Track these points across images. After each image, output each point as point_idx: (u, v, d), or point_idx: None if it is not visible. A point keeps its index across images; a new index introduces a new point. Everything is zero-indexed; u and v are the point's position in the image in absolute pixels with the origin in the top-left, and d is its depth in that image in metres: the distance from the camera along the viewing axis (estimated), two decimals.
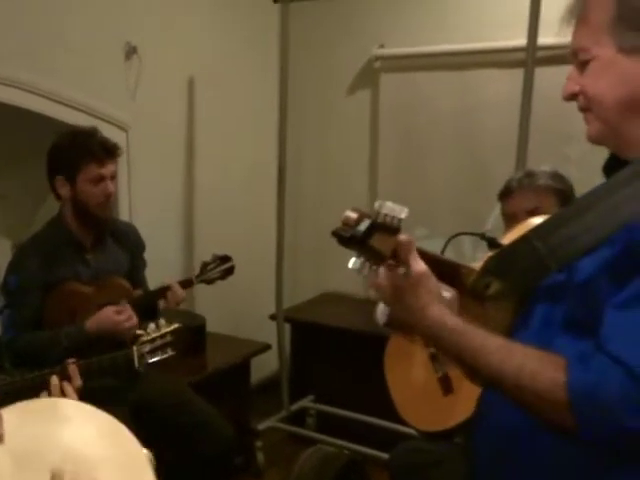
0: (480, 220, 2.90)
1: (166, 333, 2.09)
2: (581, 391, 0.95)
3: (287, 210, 3.55)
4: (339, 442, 3.36)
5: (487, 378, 1.08)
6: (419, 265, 1.15)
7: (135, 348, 2.06)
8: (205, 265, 2.71)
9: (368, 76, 3.87)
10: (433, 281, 1.15)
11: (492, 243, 1.44)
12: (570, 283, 1.06)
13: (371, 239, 1.16)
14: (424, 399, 2.06)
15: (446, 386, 2.00)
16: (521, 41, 2.78)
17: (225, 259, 2.73)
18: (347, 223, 1.17)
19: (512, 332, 1.12)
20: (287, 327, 3.77)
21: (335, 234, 1.18)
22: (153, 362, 2.08)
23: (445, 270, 1.22)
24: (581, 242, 1.06)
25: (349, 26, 3.86)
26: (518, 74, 2.84)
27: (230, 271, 2.74)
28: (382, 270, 1.18)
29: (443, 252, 1.72)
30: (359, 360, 3.42)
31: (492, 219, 2.64)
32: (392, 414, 2.20)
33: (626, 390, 0.91)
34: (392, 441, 2.29)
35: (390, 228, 1.16)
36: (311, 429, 3.71)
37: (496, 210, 2.34)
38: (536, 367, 1.00)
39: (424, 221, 3.72)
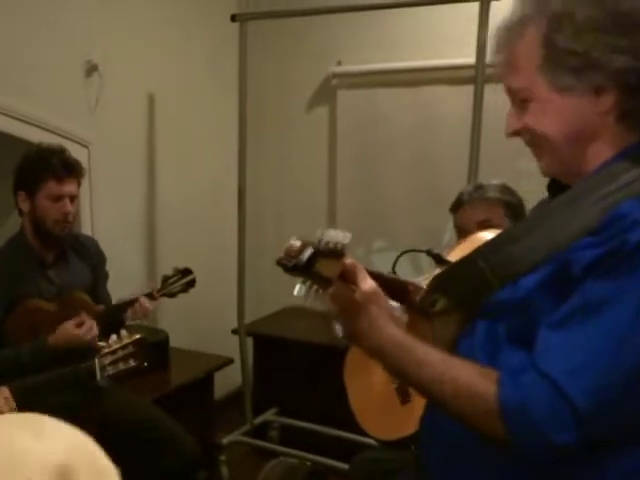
0: (437, 232, 2.97)
1: (128, 344, 2.11)
2: (511, 405, 0.99)
3: (248, 225, 3.59)
4: (302, 454, 3.38)
5: (427, 391, 1.11)
6: (367, 284, 1.19)
7: (97, 360, 2.07)
8: (166, 279, 2.71)
9: (326, 93, 3.94)
10: (382, 298, 1.19)
11: (438, 259, 1.48)
12: (512, 300, 1.09)
13: (315, 266, 1.20)
14: (382, 408, 2.09)
15: (403, 395, 2.03)
16: (471, 59, 2.87)
17: (186, 272, 2.73)
18: (290, 253, 1.22)
19: (458, 346, 1.15)
20: (249, 341, 3.79)
21: (279, 264, 1.22)
22: (116, 374, 2.09)
23: (393, 288, 1.27)
24: (523, 262, 1.09)
25: (307, 44, 3.93)
26: (469, 90, 2.92)
27: (192, 284, 2.74)
28: (331, 291, 1.21)
29: (394, 268, 1.77)
30: (321, 372, 3.46)
31: (448, 231, 2.71)
32: (354, 425, 2.23)
33: (553, 406, 0.96)
34: (354, 452, 2.32)
35: (334, 253, 1.20)
36: (274, 442, 3.73)
37: (451, 223, 2.40)
38: (472, 380, 1.04)
39: (383, 234, 3.79)
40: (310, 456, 3.35)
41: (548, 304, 1.04)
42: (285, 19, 3.75)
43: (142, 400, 2.74)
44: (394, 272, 1.53)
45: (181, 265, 2.77)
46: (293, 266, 1.21)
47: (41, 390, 2.11)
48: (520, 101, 1.16)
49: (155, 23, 3.59)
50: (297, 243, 1.22)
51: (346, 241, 1.21)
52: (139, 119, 3.60)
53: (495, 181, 2.27)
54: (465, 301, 1.16)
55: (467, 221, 2.21)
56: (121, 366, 2.09)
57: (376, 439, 2.17)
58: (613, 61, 1.05)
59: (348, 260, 1.21)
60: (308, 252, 1.20)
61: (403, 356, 1.13)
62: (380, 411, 2.11)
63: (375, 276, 1.23)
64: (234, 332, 3.71)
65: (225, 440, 3.52)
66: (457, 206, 2.29)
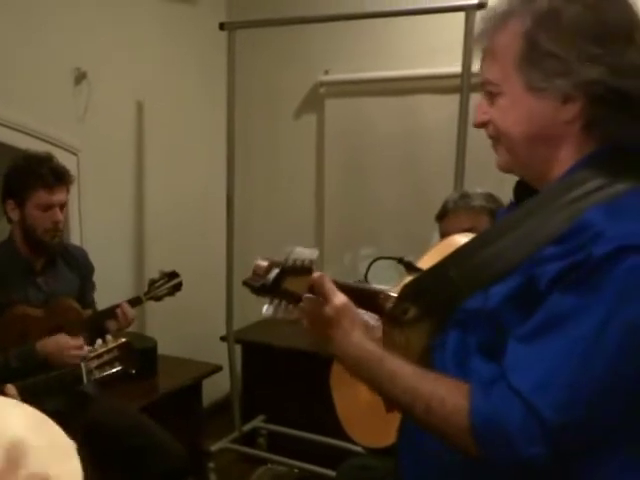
0: (424, 239, 2.98)
1: (113, 347, 2.12)
2: (481, 419, 1.00)
3: (236, 232, 3.60)
4: (290, 461, 3.39)
5: (400, 405, 1.12)
6: (338, 297, 1.19)
7: (83, 364, 2.07)
8: (153, 282, 2.72)
9: (314, 101, 3.95)
10: (354, 310, 1.20)
11: (409, 267, 1.49)
12: (482, 309, 1.09)
13: (283, 285, 1.21)
14: (369, 415, 2.09)
15: (389, 402, 2.04)
16: (457, 68, 2.90)
17: (173, 275, 2.74)
18: (257, 273, 1.22)
19: (431, 355, 1.15)
20: (238, 348, 3.79)
21: (246, 284, 1.23)
22: (102, 377, 2.10)
23: (364, 298, 1.27)
24: (492, 270, 1.10)
25: (295, 53, 3.95)
26: (455, 99, 2.95)
27: (178, 287, 2.75)
28: (302, 306, 1.22)
29: (366, 276, 1.77)
30: (309, 380, 3.45)
31: (435, 239, 2.72)
32: (342, 432, 2.24)
33: (523, 420, 0.97)
34: (341, 459, 2.33)
35: (302, 270, 1.21)
36: (262, 449, 3.73)
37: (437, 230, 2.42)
38: (443, 395, 1.05)
39: (370, 241, 3.81)
40: (298, 463, 3.36)
41: (516, 317, 1.04)
42: (273, 28, 3.77)
43: (130, 407, 2.74)
44: (366, 280, 1.54)
45: (169, 269, 2.78)
46: (260, 286, 1.22)
47: (27, 393, 2.11)
48: (490, 94, 1.15)
49: (144, 31, 3.61)
50: (264, 263, 1.23)
51: (314, 257, 1.22)
52: (128, 126, 3.61)
53: (480, 189, 2.29)
54: (436, 310, 1.16)
55: (452, 229, 2.22)
56: (107, 369, 2.10)
57: (363, 446, 2.18)
58: (586, 70, 1.05)
59: (316, 274, 1.21)
60: (275, 272, 1.21)
61: (376, 369, 1.14)
62: (366, 418, 2.11)
63: (344, 288, 1.23)
64: (222, 339, 3.71)
65: (213, 447, 3.51)
66: (442, 214, 2.31)
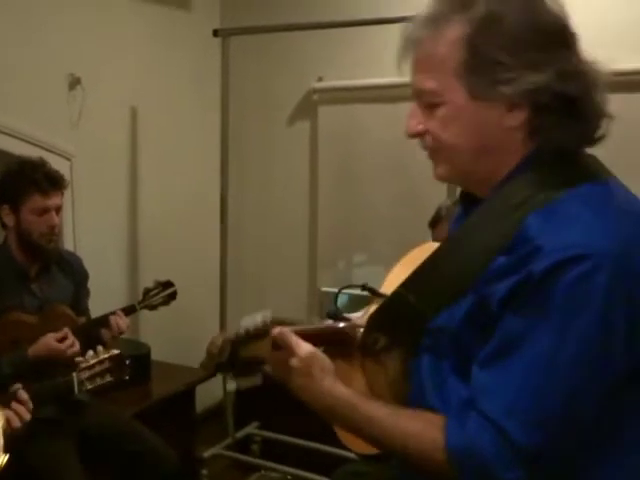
0: (416, 245, 2.97)
1: (104, 359, 2.12)
2: (459, 451, 1.01)
3: (230, 238, 3.60)
4: (283, 468, 3.38)
5: (380, 445, 1.14)
6: (303, 348, 1.18)
7: (75, 375, 2.08)
8: (147, 291, 2.72)
9: (307, 108, 3.96)
10: (321, 357, 1.19)
11: (373, 293, 1.48)
12: (447, 329, 1.09)
13: (241, 357, 1.22)
14: None
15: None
16: None
17: (167, 285, 2.75)
18: (211, 354, 1.23)
19: (408, 380, 1.15)
20: None
21: (202, 367, 1.25)
22: (94, 388, 2.10)
23: (331, 337, 1.28)
24: (449, 290, 1.09)
25: (288, 59, 3.96)
26: None
27: (173, 296, 2.75)
28: (270, 365, 1.23)
29: (335, 304, 1.78)
30: None
31: None
32: (335, 439, 2.23)
33: (497, 447, 0.99)
34: (335, 465, 2.32)
35: (258, 335, 1.21)
36: (256, 456, 3.72)
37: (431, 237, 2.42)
38: (419, 431, 1.06)
39: (363, 247, 3.81)
40: (291, 470, 3.36)
41: (475, 338, 1.05)
42: (267, 35, 3.79)
43: (123, 414, 2.73)
44: (337, 308, 1.53)
45: (163, 278, 2.77)
46: (217, 366, 1.23)
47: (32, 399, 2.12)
48: (429, 104, 1.11)
49: (138, 37, 3.61)
50: (217, 342, 1.23)
51: (267, 319, 1.22)
52: (122, 132, 3.62)
53: None
54: (404, 336, 1.15)
55: (445, 235, 2.22)
56: (98, 381, 2.11)
57: (356, 453, 2.17)
58: (533, 77, 1.03)
59: (276, 329, 1.21)
60: (228, 349, 1.22)
61: (352, 415, 1.14)
62: None
63: (308, 334, 1.23)
64: None
65: (206, 454, 3.51)
66: (435, 221, 2.31)
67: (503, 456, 0.98)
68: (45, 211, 2.45)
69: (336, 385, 1.16)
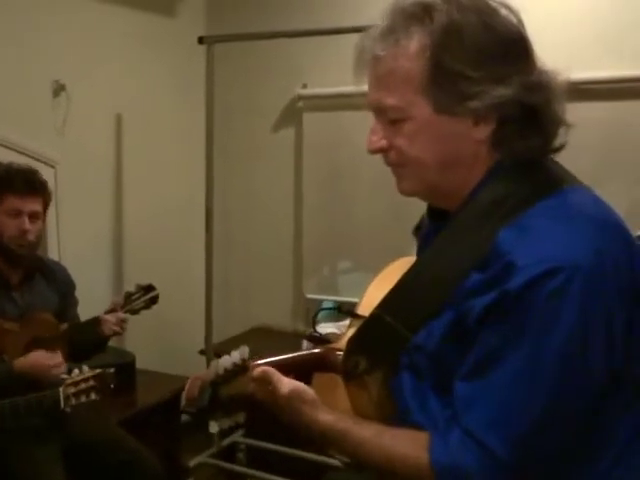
0: (402, 252, 2.97)
1: (89, 377, 2.13)
2: (443, 469, 1.03)
3: (216, 245, 3.60)
4: (269, 476, 3.37)
5: (370, 466, 1.15)
6: (284, 386, 1.19)
7: (61, 389, 2.08)
8: (129, 295, 2.71)
9: (292, 115, 3.97)
10: (304, 392, 1.20)
11: (350, 314, 1.47)
12: (426, 347, 1.09)
13: (222, 397, 1.22)
14: None
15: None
16: None
17: (149, 288, 2.73)
18: (190, 398, 1.23)
19: (392, 399, 1.16)
20: None
21: (183, 412, 1.25)
22: (78, 404, 2.12)
23: (311, 365, 1.29)
24: (425, 308, 1.10)
25: (273, 66, 3.97)
26: None
27: (154, 300, 2.74)
28: (256, 398, 1.23)
29: (314, 326, 1.77)
30: None
31: (414, 251, 2.72)
32: (320, 447, 2.22)
33: (480, 462, 1.00)
34: (321, 473, 2.32)
35: (237, 374, 1.23)
36: (241, 464, 3.71)
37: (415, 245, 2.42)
38: (404, 451, 1.08)
39: (349, 254, 3.81)
40: (278, 478, 3.34)
41: (455, 354, 1.06)
42: (252, 42, 3.80)
43: (107, 422, 2.72)
44: (315, 331, 1.54)
45: (146, 283, 2.76)
46: (199, 411, 1.24)
47: (6, 414, 2.11)
48: (391, 120, 1.10)
49: (123, 44, 3.61)
50: (196, 384, 1.23)
51: (245, 356, 1.23)
52: (106, 139, 3.61)
53: None
54: (384, 358, 1.16)
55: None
56: (83, 399, 2.12)
57: (341, 460, 2.17)
58: (496, 90, 1.03)
59: (256, 371, 1.21)
60: (208, 392, 1.22)
61: (342, 440, 1.16)
62: None
63: (288, 366, 1.24)
64: (202, 353, 3.69)
65: (192, 462, 3.50)
66: (419, 229, 2.30)
67: (486, 471, 1.00)
68: (18, 214, 2.43)
69: (320, 414, 1.18)
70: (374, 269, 3.43)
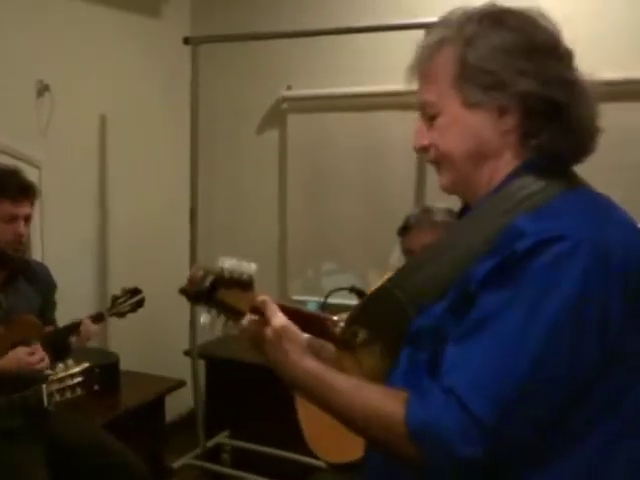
0: (385, 254, 3.01)
1: (75, 373, 2.10)
2: (417, 423, 1.00)
3: (200, 246, 3.60)
4: (254, 477, 3.38)
5: (342, 418, 1.13)
6: (277, 319, 1.20)
7: (44, 387, 2.06)
8: (115, 299, 2.72)
9: (276, 116, 3.99)
10: (293, 332, 1.21)
11: (361, 295, 1.49)
12: (427, 327, 1.10)
13: (218, 294, 1.22)
14: (332, 431, 2.08)
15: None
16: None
17: (135, 292, 2.75)
18: (192, 280, 1.23)
19: (386, 376, 1.15)
20: (201, 363, 3.77)
21: (181, 291, 1.25)
22: (63, 400, 2.08)
23: (311, 323, 1.28)
24: (434, 288, 1.11)
25: (258, 68, 3.98)
26: (417, 115, 2.96)
27: (140, 303, 2.75)
28: (244, 323, 1.23)
29: (324, 305, 1.78)
30: (274, 395, 3.42)
31: (397, 254, 2.74)
32: (307, 448, 2.23)
33: (458, 421, 0.98)
34: (307, 475, 2.33)
35: (240, 284, 1.22)
36: (227, 465, 3.71)
37: (398, 245, 2.43)
38: (380, 404, 1.06)
39: (332, 256, 3.82)
40: (263, 479, 3.33)
41: (453, 324, 1.06)
42: (237, 43, 3.81)
43: (91, 424, 2.71)
44: (324, 307, 1.55)
45: (132, 286, 2.76)
46: (195, 293, 1.22)
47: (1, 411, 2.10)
48: (430, 117, 1.18)
49: (108, 44, 3.61)
50: (200, 271, 1.23)
51: (252, 271, 1.22)
52: (91, 140, 3.61)
53: (441, 204, 2.31)
54: (385, 331, 1.17)
55: (415, 245, 2.24)
56: (68, 395, 2.10)
57: (326, 462, 2.17)
58: (518, 83, 1.10)
59: (260, 297, 1.23)
60: (209, 280, 1.21)
61: (316, 385, 1.15)
62: (330, 434, 2.10)
63: (290, 311, 1.24)
64: (186, 354, 3.69)
65: (176, 464, 3.50)
66: (404, 229, 2.33)
67: (464, 430, 0.97)
68: (13, 219, 2.42)
69: (303, 358, 1.18)
70: (358, 270, 3.51)
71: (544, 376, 1.00)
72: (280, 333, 1.19)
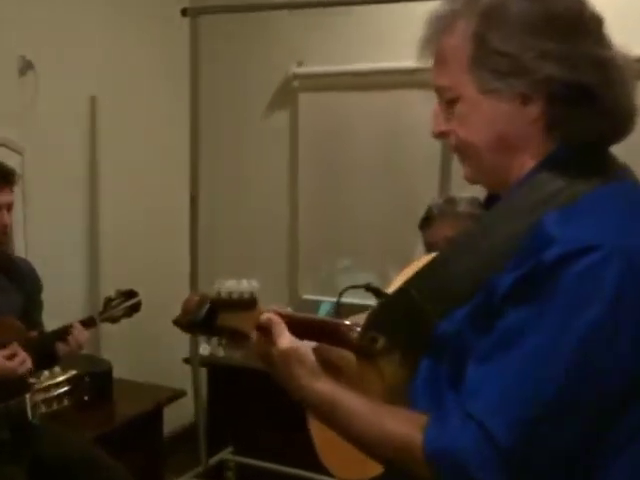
0: (407, 249, 2.99)
1: (61, 382, 2.10)
2: (437, 452, 1.03)
3: (201, 242, 3.59)
4: None
5: (359, 443, 1.16)
6: (284, 341, 1.22)
7: (28, 397, 2.06)
8: (109, 302, 2.71)
9: (286, 96, 3.98)
10: (303, 353, 1.22)
11: (378, 294, 1.49)
12: (448, 334, 1.11)
13: (218, 320, 1.22)
14: (346, 447, 2.09)
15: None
16: None
17: (131, 294, 2.74)
18: (187, 309, 1.23)
19: (407, 386, 1.16)
20: (203, 372, 3.78)
21: (175, 323, 1.25)
22: (49, 412, 2.08)
23: (324, 332, 1.29)
24: (456, 290, 1.12)
25: (265, 42, 3.97)
26: None
27: (136, 308, 2.75)
28: (251, 345, 1.25)
29: (337, 306, 1.78)
30: (282, 407, 3.42)
31: (420, 248, 2.73)
32: (317, 464, 2.23)
33: (477, 445, 1.00)
34: None
35: (240, 305, 1.22)
36: None
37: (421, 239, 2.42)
38: (397, 428, 1.09)
39: (348, 251, 3.81)
40: None
41: (475, 335, 1.07)
42: (241, 14, 3.79)
43: (80, 438, 2.72)
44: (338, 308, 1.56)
45: (126, 286, 2.76)
46: (189, 323, 1.22)
47: None
48: (448, 102, 1.17)
49: (98, 17, 3.61)
50: (195, 298, 1.24)
51: (253, 289, 1.23)
52: (79, 123, 3.61)
53: (465, 194, 2.30)
54: (404, 338, 1.18)
55: (438, 238, 2.24)
56: (55, 406, 2.10)
57: (339, 478, 2.17)
58: (541, 68, 1.08)
59: (264, 315, 1.24)
60: (205, 308, 1.22)
61: (330, 410, 1.18)
62: (343, 449, 2.10)
63: (300, 323, 1.25)
64: (186, 361, 3.69)
65: None
66: (426, 222, 2.32)
67: (484, 456, 0.99)
68: None
69: (314, 381, 1.20)
70: (376, 267, 3.48)
71: (569, 398, 1.00)
72: (287, 355, 1.21)
